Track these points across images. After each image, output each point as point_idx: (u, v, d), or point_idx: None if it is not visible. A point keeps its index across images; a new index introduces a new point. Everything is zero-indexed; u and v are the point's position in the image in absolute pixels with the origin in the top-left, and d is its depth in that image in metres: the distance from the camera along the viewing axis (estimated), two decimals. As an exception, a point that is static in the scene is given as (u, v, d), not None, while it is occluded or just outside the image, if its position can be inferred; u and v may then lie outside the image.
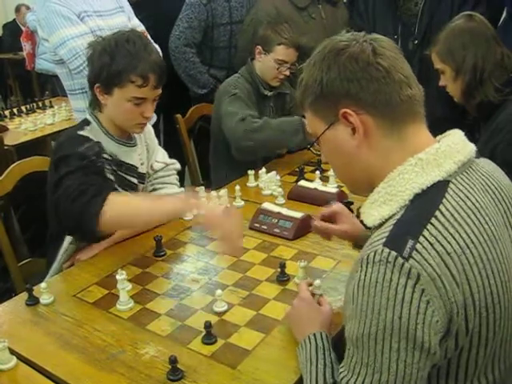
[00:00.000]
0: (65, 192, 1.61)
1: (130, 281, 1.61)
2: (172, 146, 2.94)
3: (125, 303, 1.51)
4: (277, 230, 1.84)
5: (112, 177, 1.80)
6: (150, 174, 2.02)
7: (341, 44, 1.05)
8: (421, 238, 0.92)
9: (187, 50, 3.13)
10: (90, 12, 2.48)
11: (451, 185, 1.00)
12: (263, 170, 2.31)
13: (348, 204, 1.90)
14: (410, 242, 0.91)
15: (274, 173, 2.26)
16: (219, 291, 1.46)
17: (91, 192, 1.59)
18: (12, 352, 1.33)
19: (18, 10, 7.51)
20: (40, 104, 4.04)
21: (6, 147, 3.13)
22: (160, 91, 1.78)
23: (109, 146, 1.80)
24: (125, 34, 1.74)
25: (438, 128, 2.43)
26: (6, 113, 3.92)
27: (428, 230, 0.93)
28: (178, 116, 2.89)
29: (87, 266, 1.75)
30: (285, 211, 1.90)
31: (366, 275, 0.94)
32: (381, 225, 1.02)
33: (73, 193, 1.59)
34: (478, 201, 1.00)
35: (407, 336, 0.90)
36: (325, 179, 2.24)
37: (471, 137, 1.13)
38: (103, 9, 2.55)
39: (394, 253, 0.91)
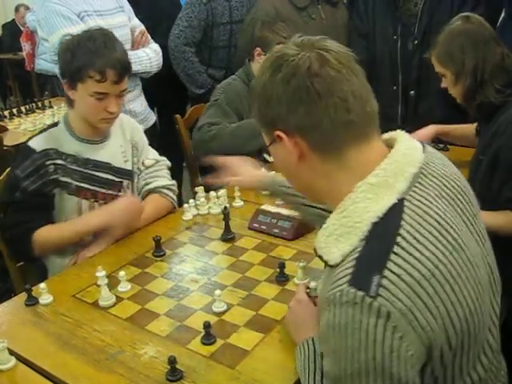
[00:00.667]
0: (3, 229, 1.88)
1: (129, 281, 1.61)
2: (170, 146, 2.95)
3: (106, 299, 1.53)
4: (276, 230, 1.84)
5: (71, 178, 1.88)
6: (141, 170, 2.07)
7: (277, 62, 1.00)
8: (386, 272, 0.87)
9: (186, 49, 3.13)
10: (91, 12, 2.48)
11: (406, 203, 0.95)
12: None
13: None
14: (376, 278, 0.86)
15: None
16: (218, 291, 1.46)
17: (22, 230, 1.81)
18: (11, 352, 1.33)
19: (17, 10, 7.50)
20: (39, 104, 4.03)
21: (5, 147, 3.13)
22: (124, 87, 1.85)
23: (72, 146, 1.90)
24: (88, 32, 1.84)
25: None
26: (6, 113, 3.91)
27: (392, 260, 0.88)
28: (178, 116, 2.88)
29: (86, 266, 1.75)
30: (284, 211, 1.89)
31: (334, 317, 0.89)
32: (342, 260, 0.95)
33: (9, 232, 1.86)
34: (436, 212, 0.95)
35: (383, 374, 0.87)
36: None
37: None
38: (103, 8, 2.56)
39: (360, 293, 0.86)
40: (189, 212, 2.04)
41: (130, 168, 2.02)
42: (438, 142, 2.47)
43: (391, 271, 0.87)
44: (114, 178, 1.97)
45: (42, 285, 1.56)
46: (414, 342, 0.86)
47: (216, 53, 3.24)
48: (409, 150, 1.02)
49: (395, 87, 2.89)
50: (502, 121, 1.78)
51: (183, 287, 1.59)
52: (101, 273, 1.54)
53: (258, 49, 2.53)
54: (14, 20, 7.71)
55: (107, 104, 1.82)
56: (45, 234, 1.83)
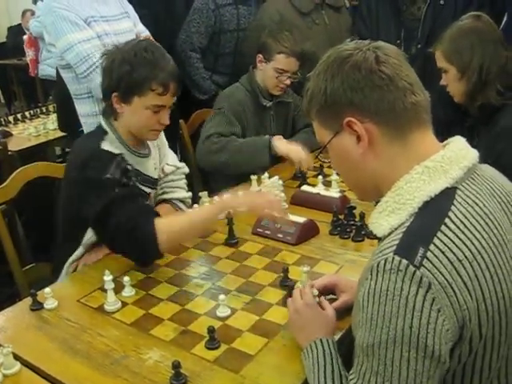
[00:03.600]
0: (116, 230, 1.62)
1: (133, 286, 1.62)
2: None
3: (112, 303, 1.53)
4: (280, 235, 1.84)
5: None
6: (160, 177, 2.03)
7: (344, 53, 1.05)
8: (431, 246, 0.92)
9: (193, 54, 3.14)
10: (97, 17, 2.48)
11: (458, 191, 1.00)
12: (266, 174, 2.31)
13: (351, 209, 1.91)
14: (421, 250, 0.91)
15: (276, 178, 2.26)
16: (222, 296, 1.46)
17: (141, 223, 1.61)
18: (16, 357, 1.33)
19: (23, 14, 7.52)
20: (44, 109, 4.06)
21: (9, 153, 3.15)
22: (175, 99, 1.81)
23: (127, 157, 1.82)
24: (140, 43, 1.78)
25: (439, 133, 2.43)
26: (10, 118, 3.94)
27: (438, 237, 0.93)
28: (181, 121, 2.89)
29: (91, 271, 1.75)
30: (287, 216, 1.90)
31: (376, 283, 0.93)
32: (390, 233, 1.02)
33: (125, 228, 1.60)
34: (485, 206, 1.00)
35: (417, 345, 0.90)
36: (327, 184, 2.24)
37: (470, 140, 1.12)
38: (109, 14, 2.56)
39: (405, 261, 0.91)
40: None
41: (157, 176, 1.99)
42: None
43: (436, 246, 0.92)
44: (148, 189, 1.93)
45: (47, 290, 1.56)
46: (451, 317, 0.90)
47: (222, 59, 3.24)
48: (466, 147, 1.08)
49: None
50: (504, 124, 1.78)
51: (187, 292, 1.59)
52: (108, 277, 1.54)
53: (260, 55, 2.54)
54: (19, 24, 7.72)
55: (161, 116, 1.78)
56: (171, 223, 1.66)
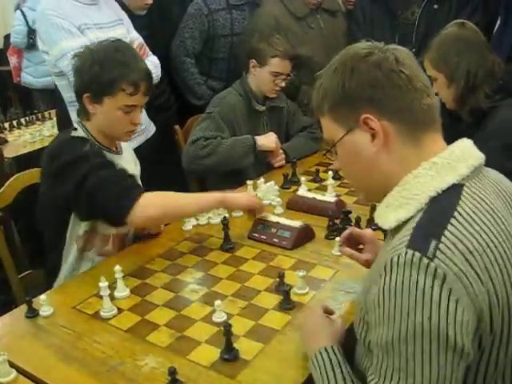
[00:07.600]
0: (99, 182, 1.69)
1: (129, 291, 1.62)
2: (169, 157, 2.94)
3: (108, 310, 1.53)
4: (276, 240, 1.84)
5: None
6: None
7: (362, 51, 1.06)
8: (443, 238, 0.92)
9: (187, 60, 3.14)
10: (90, 25, 2.49)
11: (465, 188, 1.01)
12: (261, 179, 2.32)
13: (346, 213, 1.91)
14: (434, 243, 0.91)
15: (272, 183, 2.26)
16: (218, 301, 1.46)
17: (129, 182, 1.75)
18: (11, 365, 1.32)
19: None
20: (39, 116, 4.05)
21: (5, 159, 3.14)
22: (148, 98, 1.84)
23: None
24: (112, 43, 1.79)
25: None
26: (6, 125, 3.92)
27: (449, 230, 0.93)
28: (177, 127, 2.89)
29: (86, 277, 1.75)
30: (283, 221, 1.90)
31: (391, 280, 0.93)
32: (398, 228, 1.02)
33: (110, 181, 1.70)
34: (492, 203, 1.01)
35: (438, 337, 0.89)
36: (323, 188, 2.24)
37: None
38: (103, 21, 2.56)
39: (418, 254, 0.91)
40: (189, 222, 2.04)
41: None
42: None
43: (447, 238, 0.92)
44: None
45: (43, 296, 1.56)
46: (469, 307, 0.89)
47: (216, 64, 3.24)
48: (473, 148, 1.09)
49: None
50: (490, 127, 1.81)
51: (183, 298, 1.59)
52: (104, 283, 1.54)
53: (254, 61, 2.54)
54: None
55: (133, 116, 1.80)
56: (155, 197, 1.74)
